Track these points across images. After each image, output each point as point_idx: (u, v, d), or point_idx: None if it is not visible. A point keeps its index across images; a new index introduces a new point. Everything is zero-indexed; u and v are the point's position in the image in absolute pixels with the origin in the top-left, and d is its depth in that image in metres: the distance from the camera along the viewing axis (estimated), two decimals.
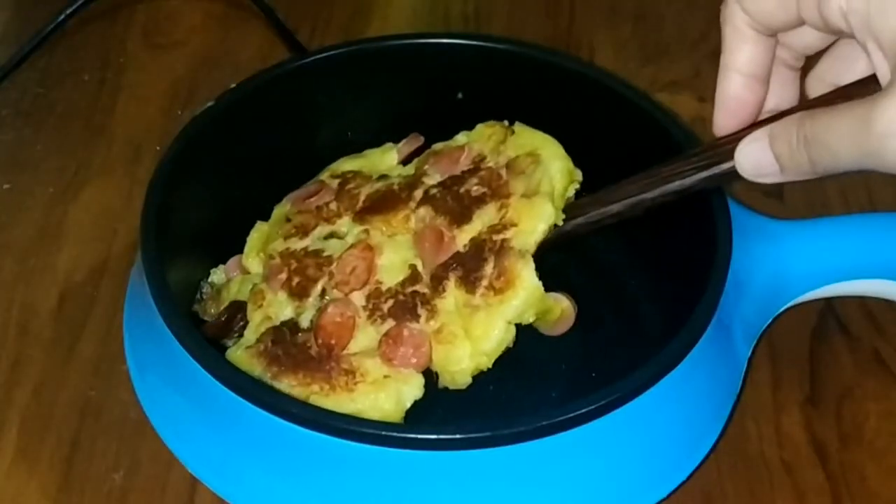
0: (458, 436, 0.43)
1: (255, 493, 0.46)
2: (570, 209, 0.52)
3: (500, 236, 0.51)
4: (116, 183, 0.65)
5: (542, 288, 0.50)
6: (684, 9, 0.79)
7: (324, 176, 0.58)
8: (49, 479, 0.52)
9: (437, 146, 0.57)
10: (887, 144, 0.39)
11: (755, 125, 0.47)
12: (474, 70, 0.59)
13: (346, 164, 0.58)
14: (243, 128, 0.57)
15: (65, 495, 0.51)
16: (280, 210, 0.57)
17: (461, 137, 0.57)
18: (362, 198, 0.55)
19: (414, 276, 0.52)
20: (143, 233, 0.50)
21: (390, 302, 0.51)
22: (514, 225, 0.51)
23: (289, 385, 0.49)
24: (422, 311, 0.50)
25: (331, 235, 0.54)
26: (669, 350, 0.46)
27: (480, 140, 0.56)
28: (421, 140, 0.58)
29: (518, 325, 0.50)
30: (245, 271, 0.56)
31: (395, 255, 0.52)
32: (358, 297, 0.51)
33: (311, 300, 0.52)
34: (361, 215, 0.54)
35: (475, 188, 0.53)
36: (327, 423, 0.44)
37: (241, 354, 0.50)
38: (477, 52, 0.59)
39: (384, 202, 0.54)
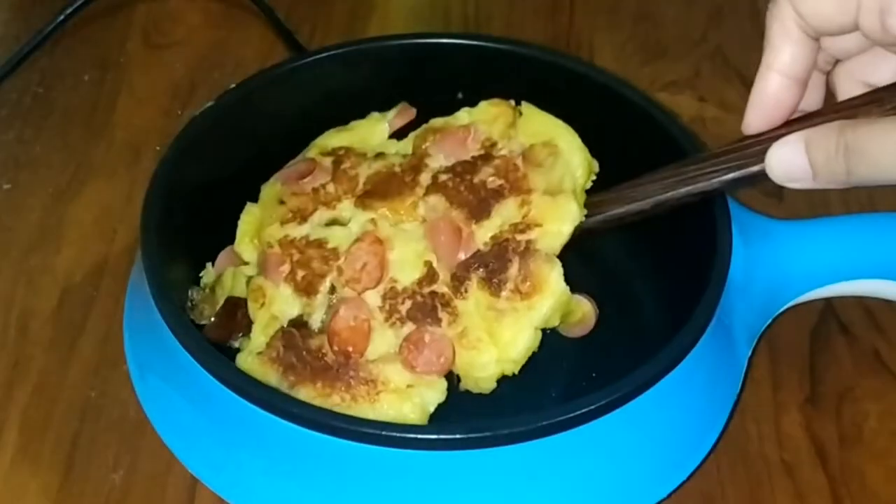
0: (458, 436, 0.43)
1: (255, 493, 0.45)
2: (589, 206, 0.51)
3: (525, 237, 0.50)
4: (116, 183, 0.65)
5: (570, 293, 0.49)
6: (684, 9, 0.79)
7: (312, 153, 0.56)
8: (49, 479, 0.52)
9: (436, 122, 0.55)
10: None
11: (782, 127, 0.47)
12: (474, 70, 0.59)
13: (334, 139, 0.56)
14: (243, 128, 0.57)
15: (65, 495, 0.51)
16: (270, 189, 0.55)
17: (463, 115, 0.55)
18: (362, 179, 0.53)
19: (431, 275, 0.50)
20: (143, 233, 0.50)
21: (408, 303, 0.49)
22: (539, 225, 0.50)
23: (308, 396, 0.47)
24: (442, 315, 0.49)
25: (332, 222, 0.53)
26: (669, 350, 0.47)
27: (485, 119, 0.54)
28: (413, 113, 0.57)
29: None
30: (237, 261, 0.54)
31: (407, 247, 0.51)
32: (372, 297, 0.50)
33: (320, 297, 0.50)
34: (363, 200, 0.52)
35: (491, 179, 0.52)
36: (327, 423, 0.44)
37: (252, 361, 0.49)
38: (477, 52, 0.59)
39: (387, 186, 0.52)
